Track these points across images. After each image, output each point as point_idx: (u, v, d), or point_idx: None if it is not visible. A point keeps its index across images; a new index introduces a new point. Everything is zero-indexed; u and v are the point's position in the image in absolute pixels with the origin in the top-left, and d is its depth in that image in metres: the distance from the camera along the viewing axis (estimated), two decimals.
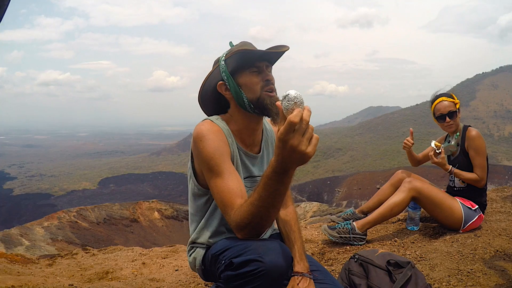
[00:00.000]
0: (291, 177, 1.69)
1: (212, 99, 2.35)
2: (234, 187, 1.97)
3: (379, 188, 4.61)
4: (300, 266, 2.22)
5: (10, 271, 3.98)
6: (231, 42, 2.31)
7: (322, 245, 4.01)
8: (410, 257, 3.46)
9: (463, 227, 3.87)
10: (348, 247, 3.86)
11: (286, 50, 2.19)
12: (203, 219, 2.31)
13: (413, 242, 3.86)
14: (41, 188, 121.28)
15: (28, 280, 3.46)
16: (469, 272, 3.02)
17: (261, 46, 2.23)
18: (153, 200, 31.66)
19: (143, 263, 4.37)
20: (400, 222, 4.57)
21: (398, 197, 3.87)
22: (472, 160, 3.93)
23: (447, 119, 3.99)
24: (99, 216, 26.46)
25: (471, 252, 3.40)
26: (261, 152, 2.39)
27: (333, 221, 4.43)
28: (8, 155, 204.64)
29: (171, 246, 5.43)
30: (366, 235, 3.95)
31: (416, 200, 3.91)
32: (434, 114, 4.12)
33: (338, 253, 3.76)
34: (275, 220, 2.44)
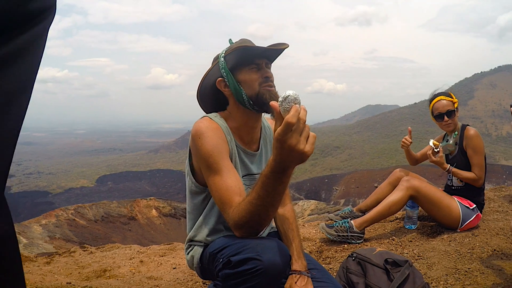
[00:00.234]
0: (289, 176, 1.69)
1: (211, 96, 2.35)
2: (232, 185, 1.97)
3: (377, 187, 4.62)
4: (298, 264, 2.22)
5: None
6: (230, 39, 2.31)
7: (320, 243, 4.01)
8: (408, 255, 3.47)
9: (460, 226, 3.87)
10: (346, 245, 3.86)
11: (286, 48, 2.18)
12: (200, 217, 2.31)
13: (411, 241, 3.86)
14: (39, 186, 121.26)
15: (26, 278, 3.45)
16: (466, 271, 3.02)
17: (260, 43, 2.21)
18: (151, 197, 31.65)
19: (141, 261, 4.37)
20: (398, 220, 4.57)
21: (396, 195, 3.87)
22: (470, 159, 3.93)
23: (445, 118, 3.99)
24: (97, 214, 26.44)
25: (469, 251, 3.40)
26: (259, 149, 2.39)
27: (331, 220, 4.43)
28: None
29: (169, 244, 5.43)
30: (364, 233, 3.95)
31: (414, 198, 3.92)
32: (432, 113, 4.12)
33: (336, 252, 3.76)
34: (272, 218, 2.44)
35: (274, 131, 1.58)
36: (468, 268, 3.07)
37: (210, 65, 2.30)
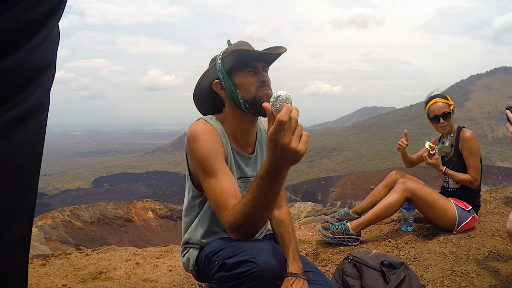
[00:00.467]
0: (284, 178, 1.69)
1: (208, 97, 2.34)
2: (227, 188, 1.97)
3: (373, 189, 4.62)
4: (293, 267, 2.22)
5: None
6: (229, 40, 2.30)
7: (316, 245, 4.01)
8: (404, 258, 3.46)
9: (456, 228, 3.88)
10: (342, 247, 3.86)
11: (284, 52, 2.18)
12: (196, 219, 2.30)
13: (407, 243, 3.86)
14: None
15: None
16: (462, 273, 3.02)
17: (257, 45, 2.20)
18: (147, 199, 31.67)
19: (137, 263, 4.35)
20: (394, 222, 4.57)
21: (392, 197, 3.87)
22: (466, 161, 3.94)
23: (441, 120, 3.99)
24: (93, 215, 26.43)
25: (465, 253, 3.41)
26: (255, 152, 2.39)
27: (327, 222, 4.43)
28: None
29: (165, 246, 5.42)
30: (360, 235, 3.95)
31: (410, 201, 3.92)
32: (428, 115, 4.12)
33: (332, 254, 3.76)
34: (268, 221, 2.44)
35: (268, 130, 1.58)
36: (464, 270, 3.07)
37: (207, 67, 2.30)
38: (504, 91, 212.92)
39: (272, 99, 1.56)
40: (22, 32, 0.66)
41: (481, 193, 4.24)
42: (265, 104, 1.59)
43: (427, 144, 4.01)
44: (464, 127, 4.06)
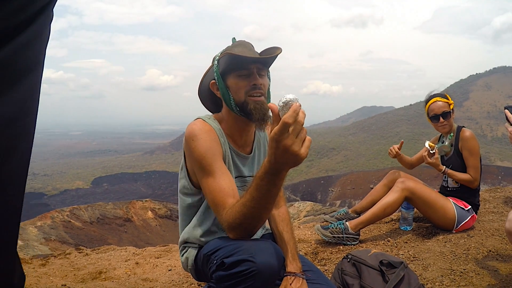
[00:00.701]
0: (283, 179, 1.69)
1: (209, 96, 2.36)
2: (226, 187, 1.97)
3: (372, 188, 4.62)
4: (292, 266, 2.22)
5: None
6: (234, 38, 2.30)
7: (315, 245, 4.01)
8: (403, 257, 3.47)
9: (456, 227, 3.88)
10: (341, 247, 3.86)
11: (279, 53, 2.14)
12: (194, 218, 2.31)
13: (406, 242, 3.86)
14: (34, 187, 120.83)
15: None
16: (462, 272, 3.02)
17: (256, 45, 2.19)
18: (147, 199, 31.67)
19: (137, 263, 4.35)
20: (393, 222, 4.57)
21: (391, 197, 3.87)
22: (466, 161, 3.94)
23: (441, 119, 3.99)
24: (93, 215, 26.42)
25: (464, 252, 3.41)
26: (252, 152, 2.39)
27: (326, 221, 4.43)
28: None
29: (165, 246, 5.42)
30: (359, 235, 3.95)
31: (409, 200, 3.92)
32: (428, 114, 4.12)
33: (331, 253, 3.76)
34: (267, 220, 2.44)
35: (271, 130, 1.57)
36: (464, 269, 3.07)
37: (208, 66, 2.31)
38: (503, 91, 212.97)
39: (281, 104, 1.54)
40: (9, 32, 0.66)
41: (480, 192, 4.25)
42: (271, 105, 1.58)
43: (427, 144, 4.01)
44: (464, 126, 4.06)
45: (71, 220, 24.87)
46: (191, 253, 2.29)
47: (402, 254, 3.54)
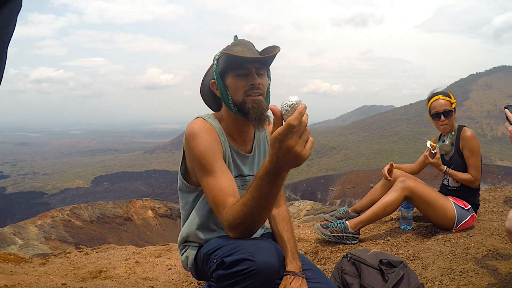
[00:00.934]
0: (283, 179, 1.69)
1: (210, 95, 2.37)
2: (226, 186, 1.98)
3: (372, 187, 4.62)
4: (292, 265, 2.23)
5: (3, 270, 3.96)
6: (235, 36, 2.30)
7: (315, 244, 4.01)
8: (403, 256, 3.47)
9: (455, 227, 3.88)
10: (341, 246, 3.86)
11: (277, 52, 2.13)
12: (191, 215, 2.32)
13: (406, 241, 3.87)
14: (34, 187, 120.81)
15: (21, 279, 3.45)
16: (461, 272, 3.03)
17: (256, 44, 2.19)
18: (147, 198, 31.68)
19: (137, 262, 4.36)
20: (393, 221, 4.57)
21: (391, 196, 3.87)
22: (467, 161, 3.93)
23: (442, 117, 3.98)
24: (93, 214, 26.43)
25: (464, 251, 3.41)
26: (252, 151, 2.39)
27: (326, 220, 4.43)
28: (1, 153, 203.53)
29: (165, 245, 5.43)
30: (359, 234, 3.95)
31: (409, 199, 3.92)
32: (429, 111, 4.11)
33: (331, 252, 3.76)
34: (267, 219, 2.45)
35: (272, 132, 1.57)
36: (463, 269, 3.07)
37: (210, 64, 2.31)
38: (503, 90, 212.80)
39: (286, 107, 1.54)
40: None
41: (480, 192, 4.25)
42: (273, 108, 1.58)
43: (428, 143, 4.01)
44: (465, 126, 4.05)
45: (71, 219, 24.89)
46: (191, 252, 2.29)
47: (402, 253, 3.54)
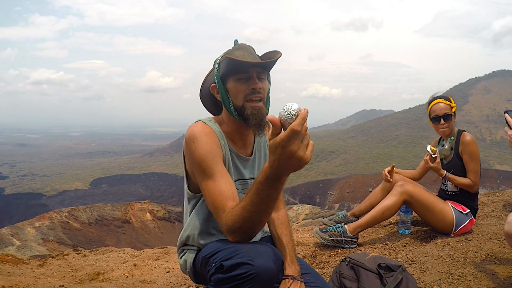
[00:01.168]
0: (283, 183, 1.69)
1: (210, 99, 2.37)
2: (225, 190, 1.97)
3: (371, 191, 4.61)
4: (291, 269, 2.23)
5: (0, 271, 3.96)
6: (236, 40, 2.30)
7: (314, 248, 4.01)
8: (401, 260, 3.47)
9: (454, 231, 3.88)
10: (339, 250, 3.86)
11: (277, 58, 2.15)
12: (191, 219, 2.31)
13: (405, 246, 3.87)
14: (33, 188, 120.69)
15: (19, 280, 3.45)
16: (460, 276, 3.03)
17: (256, 47, 2.19)
18: (145, 201, 31.60)
19: (135, 265, 4.36)
20: (391, 225, 4.57)
21: (390, 200, 3.87)
22: (466, 165, 3.94)
23: (442, 121, 3.98)
24: (91, 216, 26.38)
25: (462, 255, 3.41)
26: (253, 155, 2.39)
27: (325, 224, 4.44)
28: (0, 154, 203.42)
29: (163, 248, 5.42)
30: (357, 238, 3.95)
31: (408, 203, 3.92)
32: (429, 115, 4.11)
33: (330, 256, 3.76)
34: (266, 223, 2.44)
35: (270, 139, 1.58)
36: (462, 273, 3.07)
37: (210, 68, 2.31)
38: (502, 94, 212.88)
39: (288, 115, 1.55)
40: None
41: (479, 196, 4.24)
42: (271, 118, 1.58)
43: (428, 148, 4.00)
44: (464, 130, 4.05)
45: (69, 221, 24.83)
46: (190, 255, 2.29)
47: (401, 258, 3.54)
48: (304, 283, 2.21)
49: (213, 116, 2.35)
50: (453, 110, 4.03)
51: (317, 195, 77.41)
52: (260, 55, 2.21)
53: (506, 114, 2.39)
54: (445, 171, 4.01)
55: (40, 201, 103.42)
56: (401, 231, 4.25)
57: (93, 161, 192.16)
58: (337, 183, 79.15)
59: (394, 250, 3.77)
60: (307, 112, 1.54)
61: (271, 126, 1.59)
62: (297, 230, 4.92)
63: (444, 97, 4.08)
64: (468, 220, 3.91)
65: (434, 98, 4.11)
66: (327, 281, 2.65)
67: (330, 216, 4.65)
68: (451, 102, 4.04)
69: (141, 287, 3.48)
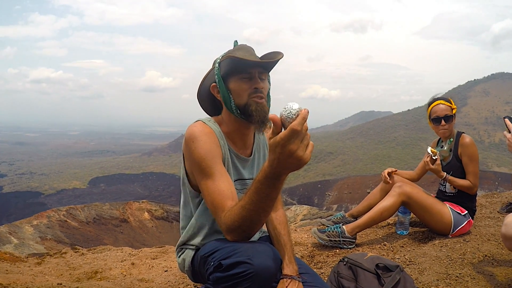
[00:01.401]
0: (282, 183, 1.69)
1: (208, 99, 2.37)
2: (225, 189, 1.98)
3: (369, 193, 4.62)
4: (289, 269, 2.23)
5: None
6: (236, 41, 2.31)
7: (312, 248, 4.01)
8: (399, 261, 3.47)
9: (452, 232, 3.89)
10: (337, 250, 3.87)
11: (280, 58, 2.17)
12: (194, 220, 2.31)
13: (402, 246, 3.87)
14: (31, 186, 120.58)
15: (17, 278, 3.44)
16: (457, 277, 3.03)
17: (255, 48, 2.21)
18: (143, 200, 31.64)
19: (132, 264, 4.35)
20: (389, 226, 4.58)
21: (388, 201, 3.88)
22: (466, 167, 3.94)
23: (443, 122, 3.99)
24: (89, 215, 26.39)
25: (460, 256, 3.42)
26: (252, 155, 2.39)
27: (323, 224, 4.43)
28: None
29: (161, 247, 5.42)
30: (355, 238, 3.96)
31: (406, 204, 3.93)
32: (429, 116, 4.11)
33: (328, 256, 3.76)
34: (264, 223, 2.45)
35: (270, 138, 1.58)
36: (459, 274, 3.08)
37: (209, 68, 2.31)
38: (501, 97, 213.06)
39: (289, 114, 1.56)
40: None
41: (477, 197, 4.25)
42: (272, 117, 1.59)
43: (429, 149, 4.00)
44: (463, 132, 4.06)
45: (67, 220, 24.84)
46: (188, 254, 2.29)
47: (398, 258, 3.54)
48: (302, 282, 2.22)
49: (213, 116, 2.36)
50: (454, 111, 4.04)
51: (315, 196, 77.37)
52: (259, 56, 2.22)
53: (506, 119, 2.40)
54: (445, 173, 4.01)
55: (38, 199, 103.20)
56: (399, 232, 4.26)
57: (91, 160, 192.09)
58: (335, 184, 79.10)
59: (392, 251, 3.78)
60: (308, 112, 1.54)
61: (272, 125, 1.60)
62: (295, 230, 4.92)
63: (445, 98, 4.09)
64: (466, 222, 3.92)
65: (434, 99, 4.11)
66: (325, 281, 2.65)
67: (328, 216, 4.66)
68: (451, 103, 4.05)
69: (139, 286, 3.48)
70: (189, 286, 3.38)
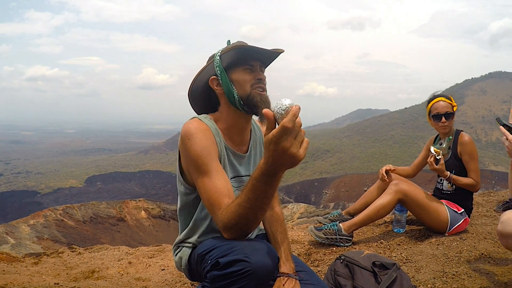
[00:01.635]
0: (279, 180, 1.69)
1: (203, 95, 2.36)
2: (221, 187, 1.98)
3: (366, 190, 4.63)
4: (286, 266, 2.23)
5: None
6: (229, 40, 2.32)
7: (309, 246, 4.02)
8: (396, 259, 3.48)
9: (448, 230, 3.89)
10: (334, 248, 3.87)
11: (281, 53, 2.21)
12: (193, 219, 2.31)
13: (399, 244, 3.88)
14: (27, 185, 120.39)
15: (14, 278, 3.44)
16: (454, 275, 3.04)
17: (253, 45, 2.23)
18: (140, 199, 31.61)
19: (130, 263, 4.35)
20: (386, 224, 4.59)
21: (385, 199, 3.88)
22: (467, 165, 3.95)
23: (443, 119, 3.99)
24: (86, 214, 26.36)
25: (457, 254, 3.42)
26: (248, 151, 2.39)
27: (320, 222, 4.44)
28: None
29: (158, 246, 5.41)
30: (352, 236, 3.96)
31: (403, 202, 3.93)
32: (430, 112, 4.11)
33: (324, 254, 3.77)
34: (261, 221, 2.45)
35: (265, 135, 1.58)
36: (456, 272, 3.08)
37: (204, 65, 2.31)
38: (498, 96, 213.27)
39: (279, 110, 1.55)
40: None
41: (473, 196, 4.26)
42: (266, 111, 1.59)
43: (432, 149, 3.98)
44: (462, 130, 4.07)
45: (64, 219, 24.81)
46: (185, 252, 2.29)
47: (395, 256, 3.55)
48: (299, 280, 2.22)
49: (209, 113, 2.35)
50: (454, 109, 4.05)
51: (312, 194, 77.51)
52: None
53: (501, 127, 2.40)
54: (449, 172, 4.01)
55: (34, 199, 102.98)
56: (395, 230, 4.26)
57: (88, 159, 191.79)
58: (332, 182, 79.27)
59: (389, 249, 3.78)
60: (299, 108, 1.54)
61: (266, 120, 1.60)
62: (292, 228, 4.93)
63: (445, 95, 4.10)
64: (463, 220, 3.93)
65: (435, 96, 4.12)
66: (322, 279, 2.65)
67: (325, 214, 4.66)
68: (452, 101, 4.06)
69: (136, 285, 3.48)
70: (186, 285, 3.38)
